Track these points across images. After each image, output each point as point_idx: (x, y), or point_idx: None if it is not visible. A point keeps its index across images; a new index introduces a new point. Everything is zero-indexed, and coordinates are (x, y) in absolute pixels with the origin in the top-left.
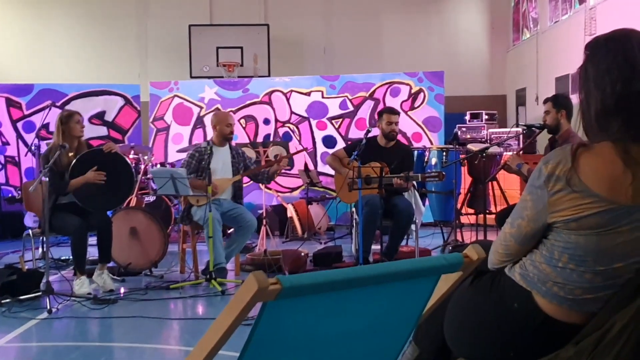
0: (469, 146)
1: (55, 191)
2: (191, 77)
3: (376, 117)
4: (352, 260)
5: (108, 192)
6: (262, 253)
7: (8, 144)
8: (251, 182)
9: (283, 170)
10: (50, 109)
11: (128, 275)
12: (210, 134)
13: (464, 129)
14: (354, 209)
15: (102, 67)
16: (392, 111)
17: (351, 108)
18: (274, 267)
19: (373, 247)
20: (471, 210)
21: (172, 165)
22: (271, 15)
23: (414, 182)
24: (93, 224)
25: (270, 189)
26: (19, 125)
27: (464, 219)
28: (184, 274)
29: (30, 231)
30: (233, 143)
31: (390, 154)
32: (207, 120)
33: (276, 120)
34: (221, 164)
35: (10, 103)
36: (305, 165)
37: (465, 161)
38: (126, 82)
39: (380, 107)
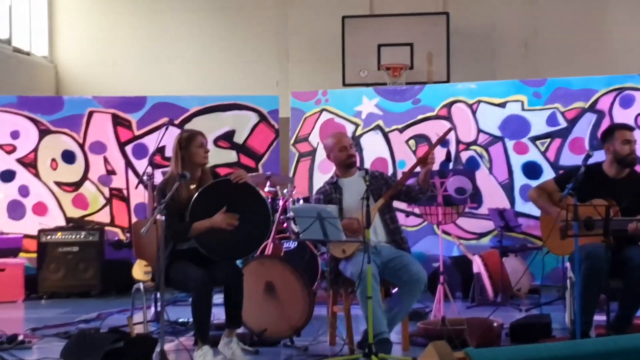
0: None
1: (173, 237)
2: (344, 84)
3: (600, 136)
4: (565, 335)
5: (238, 235)
6: (439, 321)
7: (114, 173)
8: (423, 223)
9: (467, 209)
10: (167, 129)
11: (263, 346)
12: (368, 158)
13: None
14: (568, 264)
15: (231, 75)
16: (627, 127)
17: (563, 124)
18: (455, 341)
19: (596, 317)
20: None
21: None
22: (452, 0)
23: None
24: (219, 277)
25: (449, 234)
26: (128, 149)
27: None
28: (334, 346)
29: (141, 285)
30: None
31: (621, 188)
32: (365, 141)
33: (458, 142)
34: (356, 197)
35: (117, 121)
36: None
37: None
38: (261, 93)
39: (606, 122)
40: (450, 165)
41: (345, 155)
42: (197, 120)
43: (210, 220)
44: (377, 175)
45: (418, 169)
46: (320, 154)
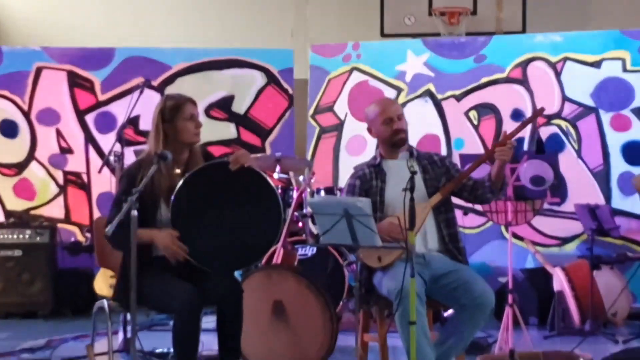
0: None
1: (110, 237)
2: (383, 35)
3: None
4: None
5: (237, 238)
6: (506, 356)
7: (70, 151)
8: (486, 224)
9: (547, 205)
10: (142, 92)
11: None
12: (415, 134)
13: None
14: None
15: (229, 21)
16: None
17: None
18: None
19: None
20: None
21: None
22: None
23: None
24: (211, 294)
25: (521, 238)
26: (89, 119)
27: None
28: None
29: (105, 303)
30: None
31: None
32: (411, 112)
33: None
34: (402, 187)
35: (75, 82)
36: None
37: None
38: (270, 46)
39: None
40: (525, 146)
41: (391, 130)
42: (182, 81)
43: (152, 233)
44: (436, 160)
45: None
46: (350, 129)
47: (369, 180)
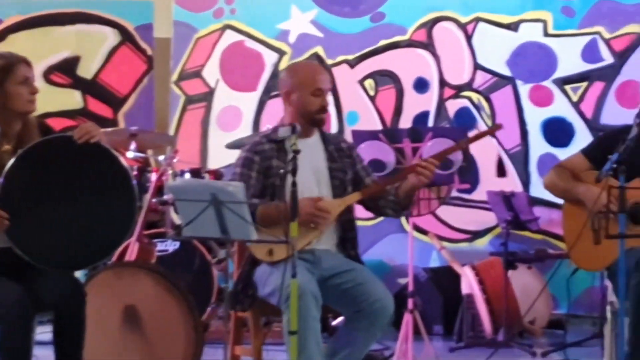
0: None
1: None
2: None
3: None
4: None
5: (80, 230)
6: None
7: None
8: (379, 217)
9: (454, 192)
10: None
11: None
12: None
13: None
14: (608, 282)
15: None
16: None
17: (609, 59)
18: None
19: None
20: None
21: (216, 174)
22: None
23: None
24: (46, 298)
25: (425, 232)
26: None
27: None
28: None
29: None
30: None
31: None
32: None
33: (442, 84)
34: (310, 174)
35: None
36: None
37: None
38: None
39: None
40: (430, 122)
41: (319, 104)
42: (15, 38)
43: None
44: (344, 147)
45: None
46: (222, 98)
47: (269, 158)
